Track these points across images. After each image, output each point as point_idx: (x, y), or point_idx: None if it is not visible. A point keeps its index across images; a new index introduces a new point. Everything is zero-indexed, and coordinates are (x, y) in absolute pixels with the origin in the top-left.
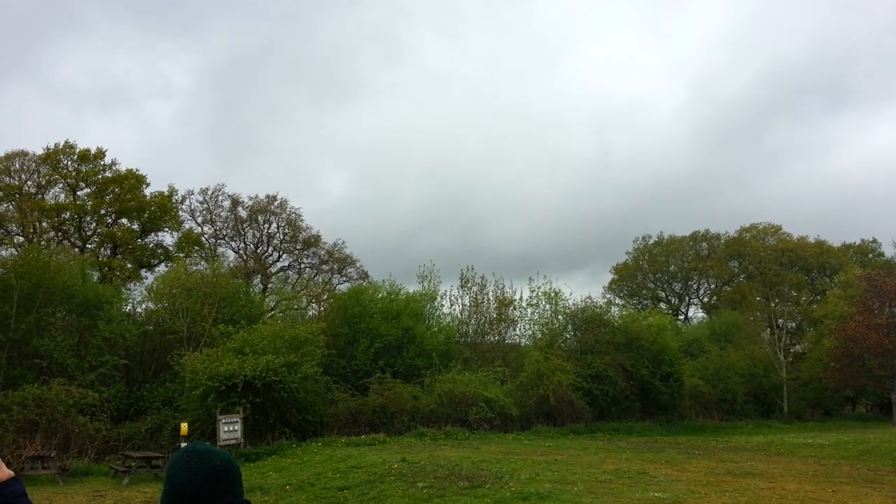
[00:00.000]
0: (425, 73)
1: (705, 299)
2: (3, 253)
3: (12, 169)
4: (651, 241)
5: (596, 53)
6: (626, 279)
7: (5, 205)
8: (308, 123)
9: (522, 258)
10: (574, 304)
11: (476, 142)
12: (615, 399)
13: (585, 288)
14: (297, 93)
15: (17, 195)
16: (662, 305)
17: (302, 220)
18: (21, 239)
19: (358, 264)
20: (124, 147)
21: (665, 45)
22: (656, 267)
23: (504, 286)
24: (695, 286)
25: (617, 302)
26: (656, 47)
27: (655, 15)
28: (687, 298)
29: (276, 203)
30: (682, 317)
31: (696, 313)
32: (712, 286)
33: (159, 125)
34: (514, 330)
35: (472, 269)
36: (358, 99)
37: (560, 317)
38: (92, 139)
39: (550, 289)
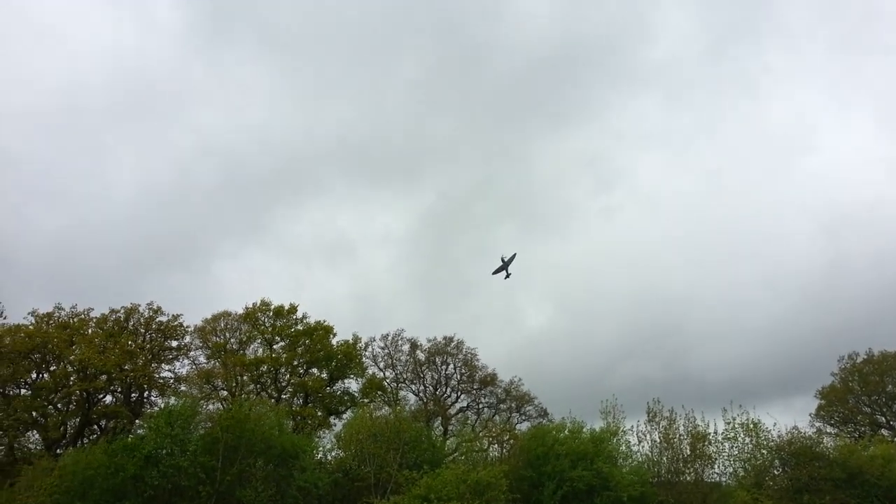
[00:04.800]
0: (637, 196)
1: None
2: (211, 407)
3: (218, 329)
4: (859, 360)
5: (829, 153)
6: (836, 404)
7: (212, 362)
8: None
9: (732, 384)
10: (779, 436)
11: (688, 263)
12: None
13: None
14: (505, 228)
15: (222, 353)
16: (884, 432)
17: (478, 360)
18: (225, 393)
19: (536, 401)
20: (336, 296)
21: None
22: (870, 388)
23: (695, 419)
24: None
25: (828, 430)
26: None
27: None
28: None
29: (452, 344)
30: None
31: None
32: None
33: (374, 272)
34: (713, 468)
35: (659, 401)
36: (565, 228)
37: (763, 451)
38: (309, 293)
39: (748, 419)
